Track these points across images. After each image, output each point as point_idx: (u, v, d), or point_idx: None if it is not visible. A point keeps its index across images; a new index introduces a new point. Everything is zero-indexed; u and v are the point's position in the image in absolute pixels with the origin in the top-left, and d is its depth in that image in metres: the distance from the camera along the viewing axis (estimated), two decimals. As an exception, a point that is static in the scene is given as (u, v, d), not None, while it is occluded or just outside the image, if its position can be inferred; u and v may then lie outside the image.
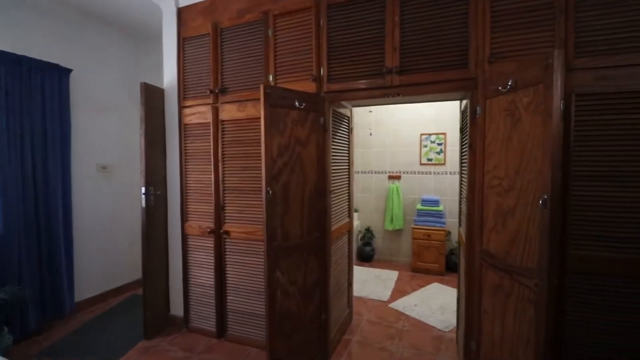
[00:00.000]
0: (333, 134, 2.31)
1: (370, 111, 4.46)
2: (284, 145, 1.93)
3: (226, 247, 2.46)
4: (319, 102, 2.11)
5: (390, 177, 4.48)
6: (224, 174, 2.42)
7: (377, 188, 4.57)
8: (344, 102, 2.43)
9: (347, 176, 2.63)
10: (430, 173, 4.30)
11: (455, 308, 2.48)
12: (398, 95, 1.96)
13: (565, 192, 1.54)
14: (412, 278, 3.88)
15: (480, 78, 1.76)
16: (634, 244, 1.48)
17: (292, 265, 2.00)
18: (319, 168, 2.13)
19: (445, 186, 4.24)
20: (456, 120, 4.12)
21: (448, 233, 4.05)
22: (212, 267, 2.49)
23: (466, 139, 2.09)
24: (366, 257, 4.47)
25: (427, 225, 4.01)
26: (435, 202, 4.06)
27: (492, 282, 1.69)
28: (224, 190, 2.43)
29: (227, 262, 2.46)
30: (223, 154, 2.42)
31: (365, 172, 4.63)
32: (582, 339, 1.55)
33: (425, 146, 4.30)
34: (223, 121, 2.42)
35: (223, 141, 2.42)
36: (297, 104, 1.96)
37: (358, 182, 4.66)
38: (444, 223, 3.96)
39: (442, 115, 4.21)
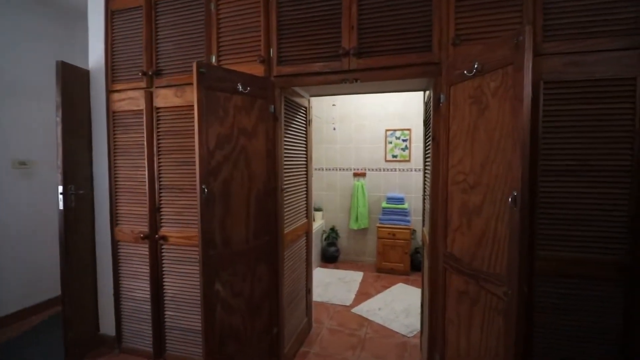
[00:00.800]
0: (287, 125, 2.06)
1: (333, 104, 4.25)
2: (224, 136, 1.64)
3: (163, 254, 2.13)
4: (267, 87, 1.84)
5: (356, 174, 4.31)
6: (159, 170, 2.09)
7: (342, 185, 4.38)
8: (298, 90, 2.18)
9: (304, 173, 2.39)
10: (395, 170, 4.18)
11: (420, 310, 2.33)
12: (356, 80, 1.75)
13: (532, 189, 1.41)
14: (376, 279, 3.74)
15: (444, 62, 1.59)
16: (604, 243, 1.37)
17: (235, 275, 1.73)
18: (268, 163, 1.87)
19: (410, 183, 4.13)
20: (421, 116, 4.03)
21: (413, 231, 3.95)
22: (148, 278, 2.15)
23: (430, 132, 1.92)
24: (330, 258, 4.27)
25: (392, 224, 3.88)
26: (401, 200, 3.94)
27: (457, 288, 1.53)
28: (160, 188, 2.10)
29: (164, 272, 2.13)
30: (159, 147, 2.09)
31: (329, 169, 4.42)
32: (552, 349, 1.43)
33: (391, 142, 4.18)
34: (158, 108, 2.08)
35: (158, 132, 2.08)
36: (240, 87, 1.69)
37: (322, 179, 4.45)
38: (409, 221, 3.85)
39: (407, 111, 4.10)
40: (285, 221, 2.04)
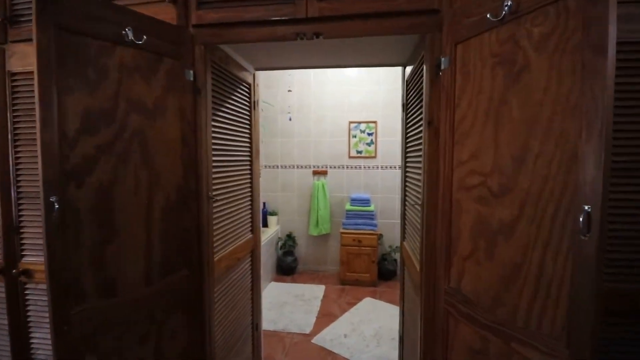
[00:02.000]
0: (218, 104, 1.44)
1: (289, 90, 3.65)
2: (100, 112, 0.98)
3: (28, 297, 1.40)
4: (182, 41, 1.21)
5: (315, 173, 3.77)
6: (17, 170, 1.35)
7: (300, 185, 3.81)
8: (235, 56, 1.56)
9: (247, 172, 1.79)
10: (360, 167, 3.71)
11: (393, 333, 1.85)
12: (317, 36, 1.18)
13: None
14: (341, 293, 3.23)
15: (446, 10, 1.08)
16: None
17: (128, 339, 1.08)
18: (185, 157, 1.24)
19: (376, 182, 3.69)
20: (389, 107, 3.60)
21: (380, 236, 3.51)
22: (7, 333, 1.40)
23: (415, 117, 1.42)
24: (287, 270, 3.69)
25: (357, 229, 3.40)
26: (366, 202, 3.48)
27: (469, 344, 1.03)
28: (20, 197, 1.36)
29: (31, 325, 1.40)
30: (16, 134, 1.35)
31: (285, 167, 3.83)
32: None
33: (355, 136, 3.69)
34: (14, 74, 1.34)
35: (15, 110, 1.34)
36: (131, 35, 1.03)
37: (277, 178, 3.84)
38: (375, 225, 3.40)
39: (373, 102, 3.63)
40: (218, 242, 1.43)
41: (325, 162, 3.75)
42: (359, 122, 3.67)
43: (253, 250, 1.86)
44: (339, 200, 3.76)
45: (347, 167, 3.72)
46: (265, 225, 3.77)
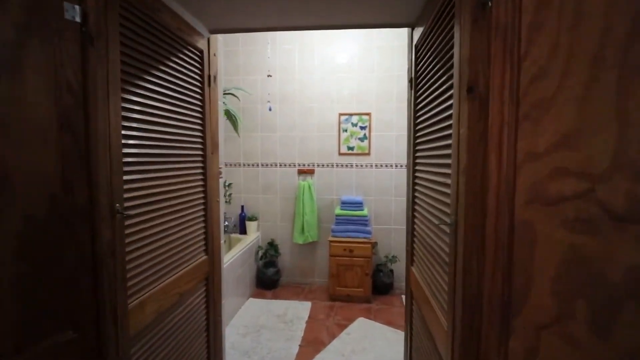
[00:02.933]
0: (140, 70, 0.96)
1: (269, 75, 3.16)
2: None
3: None
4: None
5: (301, 172, 3.30)
6: None
7: (284, 186, 3.34)
8: (174, 4, 1.08)
9: (198, 172, 1.31)
10: (351, 166, 3.26)
11: None
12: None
13: None
14: (330, 312, 2.78)
15: None
16: None
17: None
18: (64, 149, 0.75)
19: (369, 182, 3.24)
20: (384, 97, 3.15)
21: (374, 245, 3.07)
22: None
23: (435, 90, 0.97)
24: (269, 283, 3.22)
25: (348, 237, 2.95)
26: (359, 205, 3.03)
27: None
28: None
29: None
30: None
31: (266, 165, 3.35)
32: None
33: (346, 130, 3.24)
34: None
35: None
36: None
37: (257, 178, 3.36)
38: (369, 233, 2.95)
39: (366, 91, 3.18)
40: (137, 279, 0.95)
41: (312, 159, 3.29)
42: (351, 115, 3.21)
43: (209, 276, 1.38)
44: (328, 203, 3.30)
45: (337, 166, 3.27)
46: (243, 231, 3.29)
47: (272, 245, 3.32)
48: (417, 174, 1.24)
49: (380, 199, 3.24)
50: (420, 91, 1.18)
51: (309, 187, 3.19)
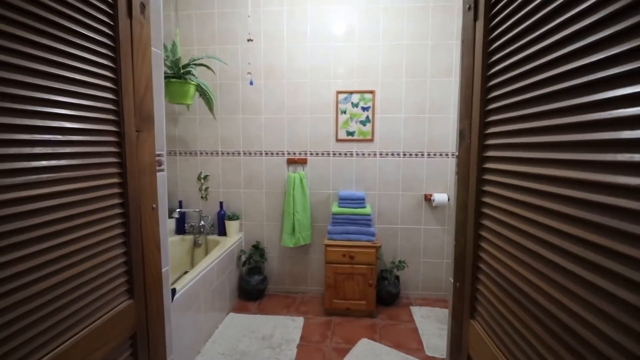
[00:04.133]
0: None
1: (249, 39, 2.55)
2: None
3: None
4: None
5: (291, 162, 2.77)
6: None
7: (271, 179, 2.81)
8: None
9: (112, 162, 0.77)
10: (351, 154, 2.74)
11: None
12: None
13: None
14: (325, 331, 2.30)
15: None
16: None
17: None
18: None
19: (372, 174, 2.73)
20: (393, 71, 2.62)
21: (378, 249, 2.58)
22: None
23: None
24: (253, 294, 2.72)
25: (348, 240, 2.45)
26: (360, 201, 2.52)
27: None
28: None
29: None
30: None
31: (250, 154, 2.80)
32: None
33: (344, 112, 2.70)
34: None
35: None
36: None
37: (239, 169, 2.82)
38: (373, 235, 2.46)
39: (370, 64, 2.64)
40: None
41: (303, 147, 2.76)
42: (350, 93, 2.67)
43: (138, 332, 0.86)
44: (323, 199, 2.79)
45: (334, 154, 2.74)
46: (222, 233, 2.76)
47: (257, 248, 2.80)
48: (489, 158, 0.73)
49: (386, 194, 2.74)
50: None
51: (301, 180, 2.67)
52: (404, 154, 2.69)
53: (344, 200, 2.53)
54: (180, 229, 2.79)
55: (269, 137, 2.77)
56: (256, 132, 2.77)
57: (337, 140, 2.72)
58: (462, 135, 0.88)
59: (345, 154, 2.73)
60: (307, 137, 2.74)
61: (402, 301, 2.72)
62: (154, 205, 0.92)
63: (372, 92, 2.66)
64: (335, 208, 2.53)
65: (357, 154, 2.72)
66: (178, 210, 2.68)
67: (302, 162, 2.75)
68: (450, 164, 2.66)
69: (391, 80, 2.64)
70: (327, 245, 2.43)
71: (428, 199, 2.68)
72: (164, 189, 0.99)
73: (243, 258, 2.77)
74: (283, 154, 2.77)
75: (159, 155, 0.96)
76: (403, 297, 2.77)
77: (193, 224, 2.77)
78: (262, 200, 2.82)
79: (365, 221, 2.48)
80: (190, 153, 2.83)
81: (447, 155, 2.67)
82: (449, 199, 2.64)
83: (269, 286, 2.87)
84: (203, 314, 2.10)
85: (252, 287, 2.68)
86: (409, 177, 2.70)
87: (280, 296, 2.82)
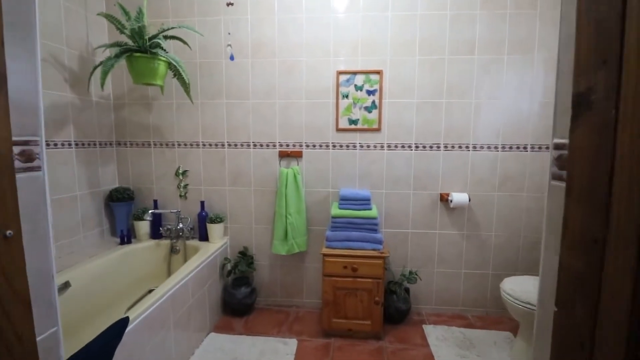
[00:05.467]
0: None
1: (229, 3, 2.13)
2: None
3: None
4: None
5: (283, 155, 2.37)
6: None
7: (260, 175, 2.41)
8: None
9: None
10: (354, 146, 2.33)
11: None
12: None
13: None
14: (322, 357, 1.92)
15: None
16: None
17: None
18: None
19: (378, 170, 2.33)
20: (404, 48, 2.20)
21: (386, 260, 2.18)
22: None
23: None
24: (240, 308, 2.34)
25: (349, 249, 2.06)
26: (365, 202, 2.12)
27: None
28: None
29: None
30: None
31: (236, 145, 2.40)
32: None
33: (346, 96, 2.29)
34: None
35: None
36: None
37: (223, 163, 2.42)
38: (380, 242, 2.06)
39: (376, 41, 2.22)
40: None
41: (298, 137, 2.35)
42: (354, 73, 2.26)
43: None
44: (321, 198, 2.39)
45: (334, 146, 2.33)
46: (204, 237, 2.37)
47: (244, 256, 2.41)
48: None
49: (394, 193, 2.33)
50: None
51: (295, 177, 2.27)
52: (417, 146, 2.28)
53: (345, 201, 2.13)
54: (156, 233, 2.40)
55: (257, 126, 2.36)
56: (243, 120, 2.36)
57: (338, 129, 2.31)
58: (584, 102, 0.46)
59: (347, 146, 2.32)
60: (303, 126, 2.33)
61: (412, 317, 2.33)
62: (9, 232, 0.52)
63: (379, 72, 2.24)
64: (335, 210, 2.13)
65: (361, 146, 2.31)
66: (151, 211, 2.29)
67: (297, 155, 2.34)
68: (473, 158, 2.25)
69: (402, 58, 2.22)
70: (325, 255, 2.04)
71: (444, 199, 2.28)
72: (39, 199, 0.59)
73: (228, 267, 2.39)
74: (274, 145, 2.36)
75: (22, 143, 0.56)
76: (414, 312, 2.39)
77: (170, 226, 2.38)
78: (250, 199, 2.43)
79: (370, 226, 2.08)
80: (167, 144, 2.42)
81: (467, 147, 2.25)
82: (470, 200, 2.23)
83: (258, 299, 2.48)
84: (179, 333, 1.72)
85: (237, 301, 2.29)
86: (422, 174, 2.29)
87: (272, 311, 2.43)
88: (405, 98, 2.25)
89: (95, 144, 2.27)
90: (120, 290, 2.10)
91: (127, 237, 2.30)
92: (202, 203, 2.40)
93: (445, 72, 2.22)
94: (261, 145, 2.37)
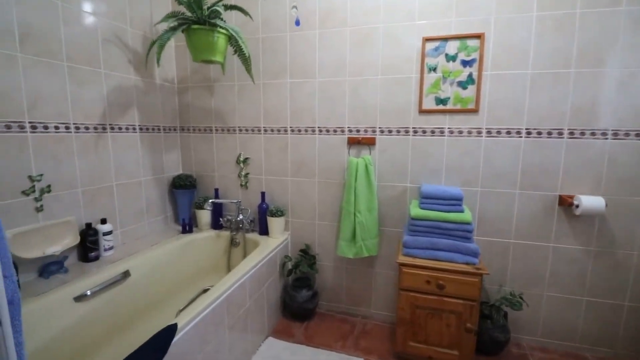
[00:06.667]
0: None
1: None
2: None
3: None
4: None
5: (353, 142, 2.03)
6: None
7: (326, 165, 2.11)
8: None
9: None
10: (441, 132, 1.88)
11: None
12: None
13: None
14: (397, 390, 1.58)
15: None
16: None
17: None
18: None
19: (473, 162, 1.85)
20: (512, 5, 1.67)
21: (481, 277, 1.72)
22: None
23: None
24: (300, 313, 2.11)
25: (435, 259, 1.66)
26: (455, 202, 1.68)
27: None
28: None
29: None
30: None
31: (300, 131, 2.13)
32: None
33: (434, 69, 1.84)
34: None
35: None
36: None
37: (284, 151, 2.17)
38: (475, 254, 1.61)
39: (478, -10, 1.73)
40: None
41: (371, 121, 1.98)
42: (445, 39, 1.79)
43: None
44: (397, 194, 2.00)
45: (416, 132, 1.92)
46: (264, 231, 2.18)
47: (306, 254, 2.17)
48: None
49: (493, 193, 1.84)
50: None
51: (366, 168, 1.92)
52: (528, 132, 1.75)
53: (429, 200, 1.71)
54: (216, 223, 2.28)
55: (324, 109, 2.05)
56: (307, 102, 2.07)
57: (421, 111, 1.88)
58: None
59: (433, 132, 1.88)
60: (377, 108, 1.95)
61: (510, 349, 1.85)
62: None
63: (479, 36, 1.74)
64: (415, 210, 1.73)
65: (451, 132, 1.86)
66: (211, 201, 2.16)
67: (369, 142, 1.98)
68: (612, 149, 1.65)
69: (512, 15, 1.69)
70: (402, 265, 1.67)
71: (567, 202, 1.72)
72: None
73: (289, 266, 2.17)
74: (342, 131, 2.03)
75: None
76: (512, 343, 1.90)
77: (230, 217, 2.24)
78: (313, 192, 2.15)
79: (462, 232, 1.64)
80: (228, 130, 2.26)
81: (604, 134, 1.66)
82: (606, 205, 1.64)
83: (320, 302, 2.23)
84: (228, 346, 1.54)
85: (298, 305, 2.06)
86: (533, 168, 1.76)
87: (335, 318, 2.16)
88: (515, 69, 1.72)
89: (159, 129, 2.20)
90: (179, 281, 2.01)
91: (188, 225, 2.22)
92: (263, 194, 2.20)
93: (575, 31, 1.63)
94: (327, 131, 2.06)
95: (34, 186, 1.46)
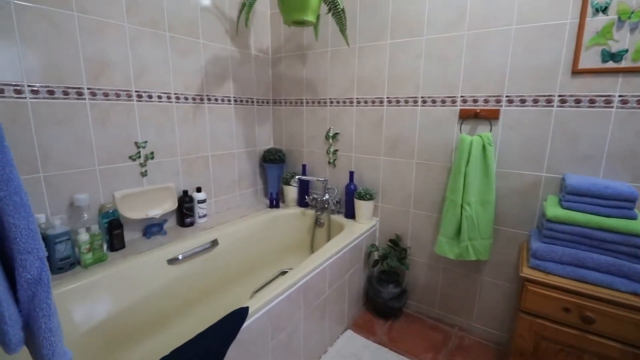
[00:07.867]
0: None
1: None
2: None
3: None
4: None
5: (467, 115, 1.60)
6: None
7: (428, 142, 1.75)
8: None
9: None
10: (606, 102, 1.31)
11: None
12: None
13: None
14: None
15: None
16: None
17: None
18: None
19: (662, 147, 1.24)
20: None
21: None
22: None
23: None
24: (385, 310, 1.87)
25: (583, 281, 1.18)
26: (622, 203, 1.14)
27: None
28: None
29: None
30: None
31: (397, 102, 1.81)
32: None
33: (602, 9, 1.26)
34: None
35: None
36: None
37: (378, 126, 1.89)
38: (654, 281, 1.08)
39: None
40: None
41: (495, 87, 1.52)
42: (633, -41, 1.19)
43: None
44: (523, 186, 1.52)
45: (564, 102, 1.39)
46: (350, 214, 1.99)
47: (395, 246, 1.89)
48: None
49: (696, 193, 1.21)
50: None
51: (483, 149, 1.50)
52: None
53: (578, 197, 1.22)
54: (302, 201, 2.19)
55: (431, 73, 1.67)
56: (411, 65, 1.72)
57: (576, 72, 1.34)
58: None
59: (592, 102, 1.33)
60: (506, 70, 1.48)
61: None
62: None
63: None
64: (554, 209, 1.26)
65: (624, 102, 1.28)
66: (298, 177, 2.06)
67: (490, 115, 1.54)
68: None
69: None
70: (528, 280, 1.25)
71: None
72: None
73: (375, 256, 1.94)
74: (453, 101, 1.63)
75: None
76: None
77: (316, 196, 2.11)
78: (410, 175, 1.83)
79: (631, 249, 1.12)
80: (319, 102, 2.09)
81: None
82: None
83: (408, 301, 1.95)
84: (302, 336, 1.43)
85: (383, 301, 1.83)
86: None
87: (425, 323, 1.86)
88: None
89: (252, 101, 2.17)
90: (262, 256, 2.00)
91: (275, 200, 2.19)
92: (351, 174, 1.98)
93: None
94: (434, 101, 1.69)
95: (139, 152, 1.56)
